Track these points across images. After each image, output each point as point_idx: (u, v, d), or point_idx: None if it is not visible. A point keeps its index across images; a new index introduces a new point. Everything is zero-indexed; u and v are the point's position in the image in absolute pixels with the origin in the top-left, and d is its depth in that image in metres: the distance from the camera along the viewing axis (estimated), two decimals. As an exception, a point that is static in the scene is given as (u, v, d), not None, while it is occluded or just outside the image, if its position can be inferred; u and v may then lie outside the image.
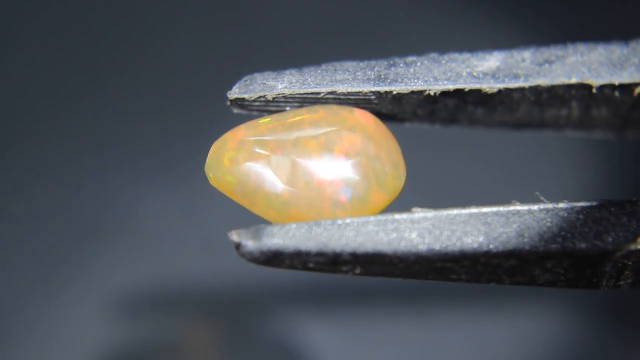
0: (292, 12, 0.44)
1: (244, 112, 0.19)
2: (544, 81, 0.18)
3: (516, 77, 0.18)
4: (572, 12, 0.44)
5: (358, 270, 0.17)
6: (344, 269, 0.17)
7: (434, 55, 0.18)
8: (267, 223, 0.17)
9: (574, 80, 0.18)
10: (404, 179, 0.18)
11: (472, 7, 0.44)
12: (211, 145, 0.19)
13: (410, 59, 0.18)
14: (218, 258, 0.37)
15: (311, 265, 0.16)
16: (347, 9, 0.45)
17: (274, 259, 0.16)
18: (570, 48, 0.18)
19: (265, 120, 0.18)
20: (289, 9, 0.45)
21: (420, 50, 0.19)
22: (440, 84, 0.18)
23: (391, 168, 0.18)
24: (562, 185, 0.41)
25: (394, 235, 0.16)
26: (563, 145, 0.41)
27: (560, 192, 0.40)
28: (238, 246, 0.16)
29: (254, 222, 0.19)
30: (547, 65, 0.18)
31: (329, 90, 0.18)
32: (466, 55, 0.18)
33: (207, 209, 0.39)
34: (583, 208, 0.17)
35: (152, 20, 0.44)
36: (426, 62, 0.18)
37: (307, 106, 0.18)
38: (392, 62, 0.18)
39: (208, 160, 0.18)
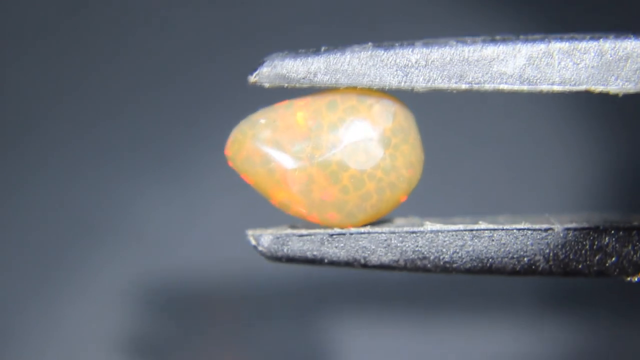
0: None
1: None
2: (573, 88, 0.17)
3: (544, 80, 0.17)
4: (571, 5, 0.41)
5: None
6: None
7: (464, 53, 0.17)
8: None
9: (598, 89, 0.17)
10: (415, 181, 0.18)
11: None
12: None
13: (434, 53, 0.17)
14: (218, 257, 0.38)
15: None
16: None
17: (287, 262, 0.18)
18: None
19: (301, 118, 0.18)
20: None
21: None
22: (464, 85, 0.17)
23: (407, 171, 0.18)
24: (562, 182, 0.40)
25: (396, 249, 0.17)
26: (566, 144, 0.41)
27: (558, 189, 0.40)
28: (255, 246, 0.18)
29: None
30: (572, 66, 0.17)
31: (354, 84, 0.18)
32: (491, 52, 0.17)
33: (206, 207, 0.39)
34: (589, 230, 0.17)
35: (153, 17, 0.44)
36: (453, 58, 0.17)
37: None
38: (413, 56, 0.18)
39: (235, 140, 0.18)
